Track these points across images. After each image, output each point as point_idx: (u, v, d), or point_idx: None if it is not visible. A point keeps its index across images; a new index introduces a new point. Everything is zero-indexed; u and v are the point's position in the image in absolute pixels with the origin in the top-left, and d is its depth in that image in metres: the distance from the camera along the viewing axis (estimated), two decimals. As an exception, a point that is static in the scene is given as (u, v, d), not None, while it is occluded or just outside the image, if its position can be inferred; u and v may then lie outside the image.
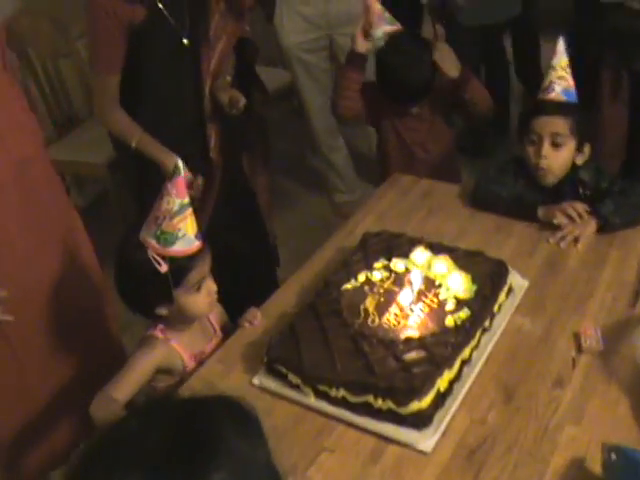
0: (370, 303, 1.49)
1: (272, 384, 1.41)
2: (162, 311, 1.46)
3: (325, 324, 1.45)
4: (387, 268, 1.59)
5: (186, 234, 1.37)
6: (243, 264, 2.26)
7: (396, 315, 1.46)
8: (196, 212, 1.43)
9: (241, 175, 2.24)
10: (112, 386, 1.41)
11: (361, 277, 1.57)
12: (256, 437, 0.74)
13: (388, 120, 2.17)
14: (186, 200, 1.37)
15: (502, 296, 1.54)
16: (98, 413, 1.36)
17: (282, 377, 1.40)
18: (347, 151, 3.15)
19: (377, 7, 1.98)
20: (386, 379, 1.31)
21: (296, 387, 1.38)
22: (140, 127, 1.93)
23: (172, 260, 1.37)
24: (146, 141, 1.92)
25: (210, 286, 1.49)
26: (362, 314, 1.47)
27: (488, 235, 1.76)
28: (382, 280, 1.56)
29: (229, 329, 1.63)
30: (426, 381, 1.30)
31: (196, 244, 1.40)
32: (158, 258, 1.37)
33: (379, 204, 1.97)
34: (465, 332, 1.41)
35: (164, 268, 1.37)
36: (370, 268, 1.60)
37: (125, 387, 1.41)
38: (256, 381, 1.43)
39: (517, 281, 1.59)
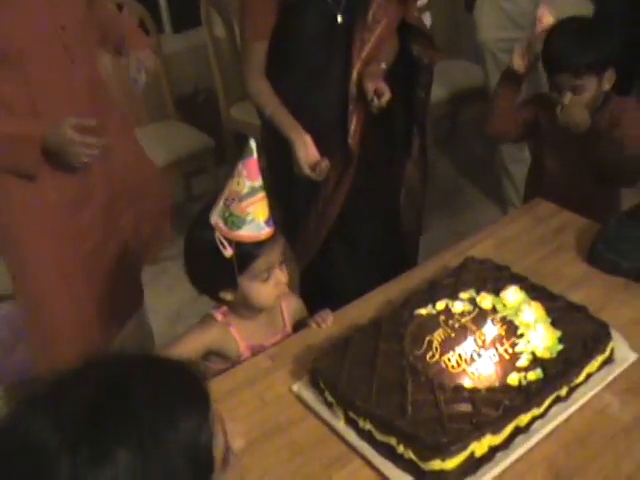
0: (438, 336, 1.36)
1: (309, 396, 1.34)
2: (226, 296, 1.42)
3: (381, 347, 1.35)
4: (472, 301, 1.44)
5: (255, 219, 1.31)
6: (370, 261, 2.16)
7: (460, 357, 1.31)
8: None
9: (382, 168, 2.11)
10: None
11: (441, 304, 1.44)
12: (186, 414, 0.74)
13: (544, 140, 1.92)
14: (257, 183, 1.31)
15: (593, 365, 1.30)
16: None
17: (320, 392, 1.33)
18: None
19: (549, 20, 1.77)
20: (414, 425, 1.17)
21: (329, 406, 1.31)
22: (280, 100, 1.88)
23: (238, 245, 1.33)
24: (280, 113, 1.87)
25: (279, 277, 1.42)
26: (425, 346, 1.35)
27: (612, 290, 1.52)
28: (462, 313, 1.42)
29: (300, 326, 1.57)
30: (457, 440, 1.14)
31: (265, 231, 1.34)
32: (224, 241, 1.33)
33: (506, 229, 1.78)
34: (528, 396, 1.22)
35: (229, 252, 1.33)
36: (454, 296, 1.45)
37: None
38: (295, 388, 1.37)
39: (622, 352, 1.35)
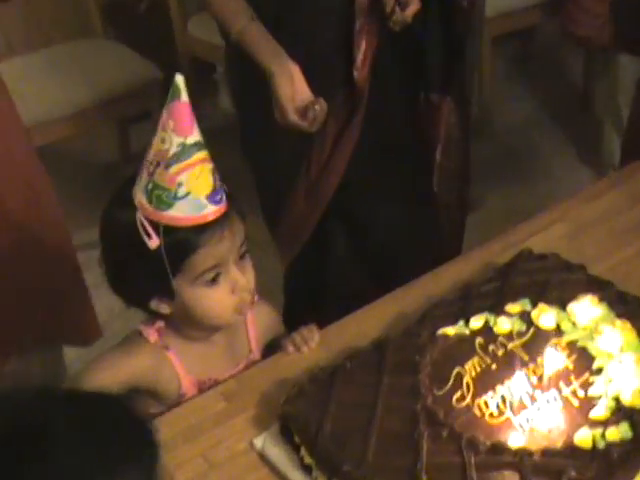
0: (472, 368, 1.36)
1: (277, 455, 1.34)
2: (160, 307, 1.43)
3: (385, 382, 1.35)
4: (526, 316, 1.44)
5: (190, 193, 1.31)
6: (382, 255, 2.18)
7: (503, 400, 1.31)
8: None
9: (404, 115, 2.11)
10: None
11: (477, 321, 1.44)
12: (124, 471, 0.81)
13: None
14: (192, 138, 1.30)
15: None
16: None
17: (294, 448, 1.33)
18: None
19: None
20: (430, 501, 1.17)
21: (306, 470, 1.30)
22: (251, 13, 1.87)
23: (168, 231, 1.33)
24: (254, 33, 1.85)
25: (237, 278, 1.41)
26: (450, 382, 1.34)
27: None
28: (509, 335, 1.41)
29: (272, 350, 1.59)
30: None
31: (209, 210, 1.33)
32: (148, 226, 1.33)
33: (585, 209, 1.79)
34: (608, 465, 1.20)
35: (154, 242, 1.33)
36: (498, 310, 1.45)
37: None
38: (258, 443, 1.37)
39: None
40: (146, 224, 1.33)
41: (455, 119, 2.14)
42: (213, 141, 1.40)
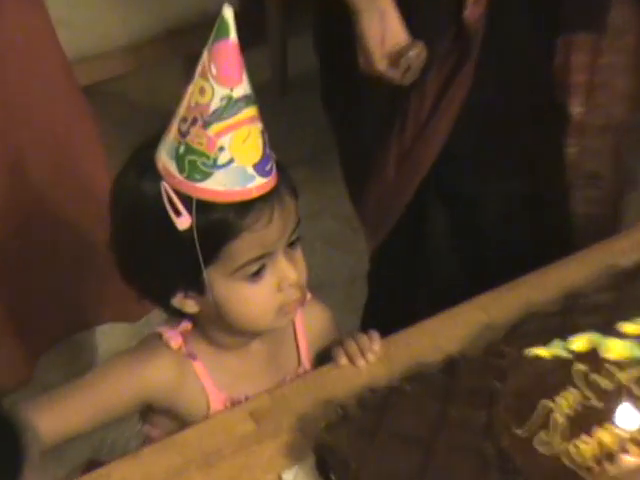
0: (566, 402, 1.24)
1: None
2: (185, 305, 1.32)
3: (451, 412, 1.26)
4: None
5: (234, 160, 1.19)
6: (499, 226, 2.01)
7: (602, 449, 1.18)
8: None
9: (533, 65, 1.92)
10: (49, 403, 1.32)
11: (580, 341, 1.32)
12: None
13: None
14: (240, 90, 1.18)
15: None
16: None
17: None
18: None
19: None
20: None
21: None
22: None
23: (203, 208, 1.20)
24: None
25: (286, 272, 1.28)
26: (535, 420, 1.22)
27: None
28: (622, 362, 1.27)
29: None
30: None
31: (256, 183, 1.21)
32: (177, 200, 1.21)
33: None
34: None
35: (184, 222, 1.20)
36: (610, 329, 1.33)
37: (67, 412, 1.31)
38: (288, 477, 1.28)
39: None
40: (174, 198, 1.21)
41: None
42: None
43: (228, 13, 1.17)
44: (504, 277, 1.58)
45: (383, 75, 1.67)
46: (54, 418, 1.30)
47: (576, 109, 1.96)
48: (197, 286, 1.27)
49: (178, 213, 1.21)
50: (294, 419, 1.34)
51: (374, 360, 1.42)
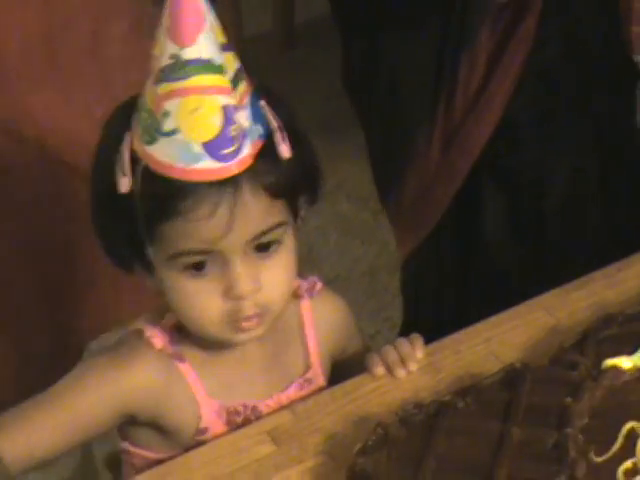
0: None
1: None
2: (146, 281, 1.30)
3: (513, 433, 1.18)
4: None
5: (179, 131, 1.15)
6: (564, 211, 1.95)
7: None
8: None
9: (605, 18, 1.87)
10: (12, 425, 1.27)
11: None
12: None
13: None
14: (192, 52, 1.15)
15: None
16: None
17: None
18: None
19: None
20: None
21: None
22: None
23: (147, 176, 1.18)
24: None
25: (233, 282, 1.21)
26: (619, 442, 1.14)
27: None
28: None
29: (352, 370, 1.44)
30: None
31: (204, 165, 1.17)
32: (126, 157, 1.19)
33: None
34: None
35: (124, 185, 1.18)
36: None
37: (34, 432, 1.26)
38: None
39: None
40: (126, 155, 1.20)
41: None
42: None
43: None
44: (573, 272, 1.52)
45: None
46: (19, 444, 1.25)
47: None
48: (144, 263, 1.25)
49: (124, 173, 1.19)
50: (320, 440, 1.29)
51: (416, 369, 1.37)
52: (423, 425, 1.19)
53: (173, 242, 1.19)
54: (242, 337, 1.26)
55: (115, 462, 1.59)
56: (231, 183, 1.15)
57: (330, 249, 1.88)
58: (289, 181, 1.21)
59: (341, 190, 2.73)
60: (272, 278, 1.23)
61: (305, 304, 1.39)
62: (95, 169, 1.28)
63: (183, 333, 1.31)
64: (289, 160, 1.20)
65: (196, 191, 1.16)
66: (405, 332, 1.55)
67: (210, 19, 1.15)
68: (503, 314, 1.47)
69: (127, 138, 1.20)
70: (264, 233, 1.20)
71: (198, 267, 1.21)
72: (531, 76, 1.76)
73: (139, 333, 1.31)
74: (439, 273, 2.05)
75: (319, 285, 1.38)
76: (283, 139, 1.21)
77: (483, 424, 1.19)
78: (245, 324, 1.24)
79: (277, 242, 1.23)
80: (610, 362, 1.24)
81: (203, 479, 1.25)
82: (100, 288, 1.92)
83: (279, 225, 1.22)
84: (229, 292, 1.21)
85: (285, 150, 1.20)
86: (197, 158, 1.15)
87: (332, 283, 1.39)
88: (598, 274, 1.53)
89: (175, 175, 1.16)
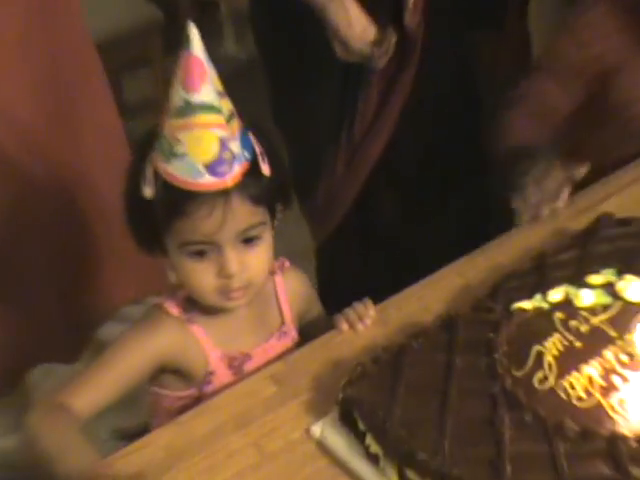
0: (554, 345, 1.38)
1: (339, 443, 1.35)
2: (165, 262, 1.51)
3: (457, 363, 1.38)
4: (611, 288, 1.46)
5: (187, 155, 1.35)
6: (446, 217, 2.21)
7: (590, 381, 1.32)
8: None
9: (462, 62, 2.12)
10: (72, 387, 1.44)
11: (556, 294, 1.46)
12: None
13: None
14: (198, 97, 1.33)
15: None
16: (40, 431, 1.37)
17: (358, 436, 1.34)
18: None
19: None
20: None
21: (374, 459, 1.31)
22: None
23: (165, 185, 1.39)
24: None
25: (225, 264, 1.43)
26: (530, 362, 1.36)
27: None
28: (593, 309, 1.43)
29: (317, 327, 1.64)
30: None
31: (205, 180, 1.36)
32: (150, 171, 1.40)
33: None
34: None
35: (148, 191, 1.41)
36: (579, 281, 1.47)
37: (94, 390, 1.44)
38: (316, 431, 1.38)
39: None
40: (149, 171, 1.40)
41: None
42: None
43: (191, 27, 1.32)
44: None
45: (362, 55, 1.79)
46: (85, 398, 1.41)
47: None
48: (161, 247, 1.46)
49: (145, 182, 1.40)
50: (310, 380, 1.46)
51: (370, 324, 1.56)
52: (390, 362, 1.37)
53: (182, 235, 1.40)
54: (231, 304, 1.47)
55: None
56: (225, 193, 1.36)
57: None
58: (268, 192, 1.42)
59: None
60: (254, 262, 1.44)
61: (278, 278, 1.60)
62: (127, 180, 1.46)
63: (192, 303, 1.51)
64: (268, 177, 1.42)
65: (199, 198, 1.36)
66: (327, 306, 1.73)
67: (211, 72, 1.33)
68: (429, 278, 1.64)
69: (150, 157, 1.39)
70: (249, 229, 1.41)
71: (200, 253, 1.42)
72: (409, 108, 1.96)
73: (159, 306, 1.51)
74: (346, 256, 2.23)
75: (287, 264, 1.62)
76: (264, 161, 1.41)
77: (434, 357, 1.37)
78: (233, 294, 1.44)
79: (258, 237, 1.43)
80: (516, 305, 1.43)
81: (228, 415, 1.42)
82: (110, 269, 2.07)
83: (260, 224, 1.43)
84: (222, 272, 1.42)
85: (266, 169, 1.41)
86: (200, 174, 1.35)
87: (291, 258, 1.63)
88: (494, 243, 1.70)
89: (184, 186, 1.36)
